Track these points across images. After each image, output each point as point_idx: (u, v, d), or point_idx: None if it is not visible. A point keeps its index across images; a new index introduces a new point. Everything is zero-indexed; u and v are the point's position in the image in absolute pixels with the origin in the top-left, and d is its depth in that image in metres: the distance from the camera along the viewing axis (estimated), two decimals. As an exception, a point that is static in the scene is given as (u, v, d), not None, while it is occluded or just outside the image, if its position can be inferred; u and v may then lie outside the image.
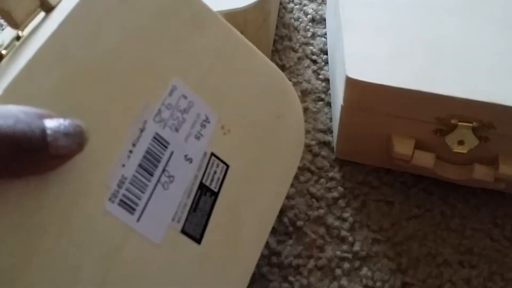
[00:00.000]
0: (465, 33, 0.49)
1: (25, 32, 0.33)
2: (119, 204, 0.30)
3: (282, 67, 0.61)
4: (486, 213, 0.50)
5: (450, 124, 0.46)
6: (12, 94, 0.26)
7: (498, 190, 0.51)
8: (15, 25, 0.30)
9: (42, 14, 0.32)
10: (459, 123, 0.46)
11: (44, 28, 0.30)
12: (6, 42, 0.34)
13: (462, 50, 0.48)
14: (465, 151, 0.46)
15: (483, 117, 0.45)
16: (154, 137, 0.32)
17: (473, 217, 0.50)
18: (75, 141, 0.25)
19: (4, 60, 0.32)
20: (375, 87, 0.46)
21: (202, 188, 0.34)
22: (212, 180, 0.35)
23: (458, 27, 0.49)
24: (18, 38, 0.33)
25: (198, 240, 0.34)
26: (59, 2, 0.32)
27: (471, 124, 0.45)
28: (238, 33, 0.39)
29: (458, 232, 0.49)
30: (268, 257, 0.48)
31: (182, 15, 0.35)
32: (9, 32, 0.35)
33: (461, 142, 0.46)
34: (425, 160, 0.48)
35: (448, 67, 0.46)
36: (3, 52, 0.33)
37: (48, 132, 0.24)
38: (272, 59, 0.62)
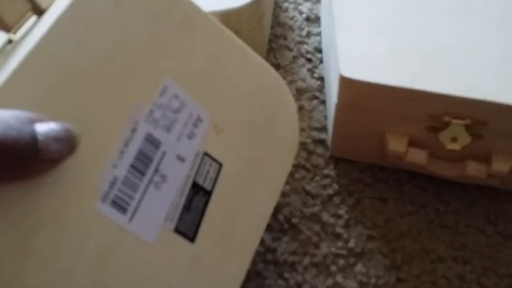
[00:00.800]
0: (458, 31, 0.49)
1: (17, 36, 0.33)
2: (111, 205, 0.30)
3: (277, 66, 0.62)
4: (479, 209, 0.51)
5: (443, 122, 0.46)
6: (3, 98, 0.27)
7: (491, 186, 0.51)
8: (6, 28, 0.31)
9: (34, 17, 0.32)
10: (452, 121, 0.46)
11: (36, 32, 0.30)
12: None
13: (455, 48, 0.48)
14: (458, 148, 0.47)
15: (476, 114, 0.45)
16: (146, 137, 0.32)
17: (466, 214, 0.51)
18: (66, 146, 0.26)
19: None
20: (369, 86, 0.46)
21: (195, 187, 0.35)
22: (205, 179, 0.35)
23: (451, 25, 0.50)
24: (10, 41, 0.33)
25: (192, 239, 0.34)
26: (50, 5, 0.32)
27: (464, 122, 0.46)
28: (230, 33, 0.39)
29: (452, 228, 0.50)
30: (264, 254, 0.48)
31: (173, 16, 0.35)
32: (1, 36, 0.35)
33: (454, 139, 0.47)
34: (418, 157, 0.49)
35: (441, 65, 0.47)
36: None
37: (39, 137, 0.25)
38: (267, 58, 0.62)
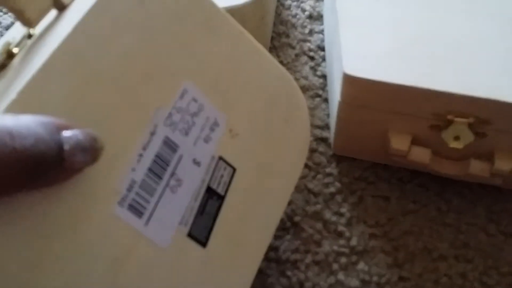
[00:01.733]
0: (462, 29, 0.49)
1: (36, 31, 0.33)
2: (128, 209, 0.29)
3: (280, 64, 0.62)
4: (482, 208, 0.51)
5: (446, 120, 0.46)
6: (27, 98, 0.26)
7: (494, 185, 0.51)
8: (28, 23, 0.30)
9: (53, 12, 0.32)
10: (455, 119, 0.46)
11: (58, 28, 0.30)
12: (16, 40, 0.33)
13: (459, 46, 0.48)
14: (461, 147, 0.47)
15: (479, 113, 0.45)
16: (164, 141, 0.32)
17: (469, 212, 0.51)
18: (90, 155, 0.25)
19: (16, 60, 0.31)
20: (372, 84, 0.46)
21: (209, 191, 0.34)
22: (219, 184, 0.35)
23: (455, 23, 0.50)
24: (29, 36, 0.33)
25: (204, 244, 0.34)
26: (72, 1, 0.32)
27: (467, 120, 0.46)
28: (249, 35, 0.38)
29: (454, 227, 0.50)
30: (266, 252, 0.48)
31: (195, 18, 0.35)
32: (19, 29, 0.34)
33: (457, 138, 0.47)
34: (421, 156, 0.49)
35: (445, 63, 0.47)
36: (14, 50, 0.32)
37: (65, 147, 0.24)
38: (270, 56, 0.62)
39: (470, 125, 0.46)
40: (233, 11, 0.52)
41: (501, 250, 0.48)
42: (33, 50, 0.30)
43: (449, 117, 0.46)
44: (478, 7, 0.51)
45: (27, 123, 0.24)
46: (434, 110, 0.46)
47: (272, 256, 0.48)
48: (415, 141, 0.49)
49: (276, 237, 0.49)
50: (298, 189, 0.52)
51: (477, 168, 0.48)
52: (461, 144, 0.47)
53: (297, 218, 0.50)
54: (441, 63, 0.47)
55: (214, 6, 0.36)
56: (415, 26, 0.50)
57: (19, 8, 0.30)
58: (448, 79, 0.45)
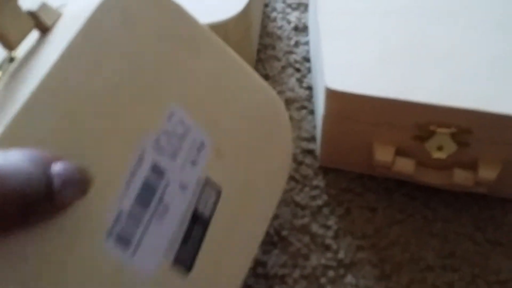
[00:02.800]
0: (442, 40, 0.49)
1: (18, 54, 0.32)
2: (115, 240, 0.29)
3: (266, 76, 0.62)
4: (468, 216, 0.51)
5: (428, 131, 0.47)
6: (14, 132, 0.26)
7: (479, 194, 0.52)
8: (10, 47, 0.30)
9: (35, 34, 0.32)
10: (438, 129, 0.46)
11: (43, 53, 0.29)
12: None
13: (439, 57, 0.48)
14: (444, 157, 0.47)
15: (461, 123, 0.45)
16: (152, 167, 0.31)
17: (455, 221, 0.51)
18: (80, 190, 0.25)
19: None
20: (354, 97, 0.46)
21: (195, 214, 0.34)
22: (205, 206, 0.34)
23: (436, 34, 0.50)
24: (11, 59, 0.32)
25: (189, 268, 0.33)
26: (54, 23, 0.31)
27: (449, 130, 0.46)
28: (233, 53, 0.38)
29: (441, 236, 0.50)
30: (254, 267, 0.48)
31: (180, 38, 0.34)
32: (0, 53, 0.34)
33: (440, 148, 0.47)
34: (405, 166, 0.49)
35: (425, 74, 0.47)
36: None
37: (55, 182, 0.24)
38: (256, 69, 0.63)
39: (452, 135, 0.46)
40: (216, 27, 0.53)
41: (488, 259, 0.48)
42: (17, 76, 0.30)
43: (432, 127, 0.46)
44: (458, 19, 0.51)
45: (16, 161, 0.23)
46: (416, 121, 0.46)
47: (260, 272, 0.48)
48: (399, 152, 0.49)
49: (264, 251, 0.49)
50: (285, 202, 0.52)
51: (461, 177, 0.48)
52: (445, 154, 0.47)
53: (284, 232, 0.50)
54: (421, 74, 0.47)
55: (197, 24, 0.35)
56: (396, 38, 0.50)
57: (1, 31, 0.29)
58: (429, 90, 0.45)
